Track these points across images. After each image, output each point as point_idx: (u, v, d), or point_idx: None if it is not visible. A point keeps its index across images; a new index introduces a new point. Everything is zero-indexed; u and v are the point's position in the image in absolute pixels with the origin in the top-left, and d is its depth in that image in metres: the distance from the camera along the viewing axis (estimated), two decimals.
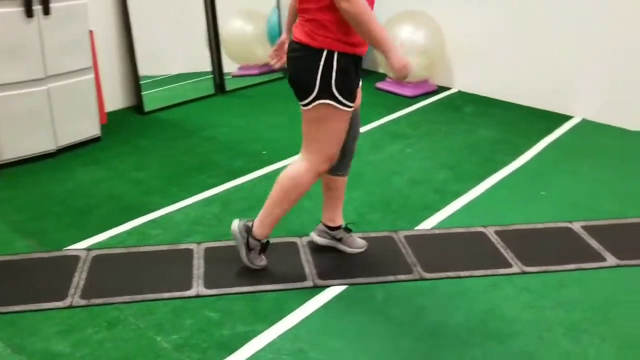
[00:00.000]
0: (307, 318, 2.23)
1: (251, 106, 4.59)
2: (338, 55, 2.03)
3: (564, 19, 4.26)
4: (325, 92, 2.06)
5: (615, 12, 4.06)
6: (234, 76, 5.05)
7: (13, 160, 3.42)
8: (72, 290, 2.34)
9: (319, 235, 2.61)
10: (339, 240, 2.59)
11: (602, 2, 4.09)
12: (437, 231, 2.84)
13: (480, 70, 4.84)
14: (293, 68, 2.16)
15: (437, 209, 3.05)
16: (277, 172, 3.39)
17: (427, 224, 2.90)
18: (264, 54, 5.18)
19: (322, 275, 2.48)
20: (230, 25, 4.95)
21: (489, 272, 2.53)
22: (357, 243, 2.63)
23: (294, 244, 2.70)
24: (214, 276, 2.46)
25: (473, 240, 2.78)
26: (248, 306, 2.30)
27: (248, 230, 2.38)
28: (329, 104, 2.08)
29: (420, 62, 4.68)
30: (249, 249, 2.39)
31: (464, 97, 4.83)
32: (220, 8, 4.68)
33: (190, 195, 3.15)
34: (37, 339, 2.10)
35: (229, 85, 4.89)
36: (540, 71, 4.48)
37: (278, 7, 5.07)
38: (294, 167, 2.29)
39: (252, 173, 3.42)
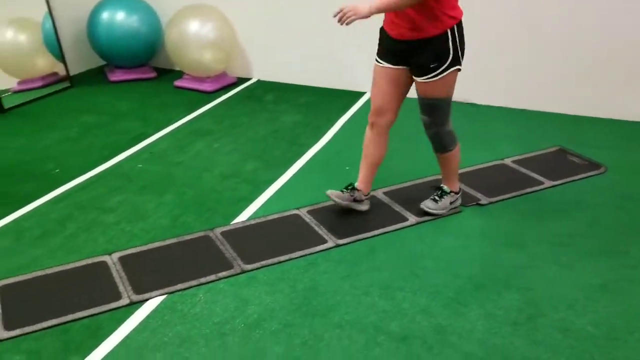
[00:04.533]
0: (126, 338, 2.10)
1: (36, 123, 4.16)
2: None
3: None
4: None
5: None
6: (14, 92, 4.54)
7: None
8: None
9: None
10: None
11: None
12: (253, 222, 2.86)
13: (276, 58, 4.95)
14: None
15: (251, 200, 3.07)
16: (75, 190, 3.18)
17: (243, 216, 2.91)
18: (45, 63, 4.76)
19: (138, 289, 2.35)
20: (0, 37, 4.43)
21: (307, 251, 2.62)
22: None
23: (103, 263, 2.53)
24: (14, 316, 2.20)
25: (288, 224, 2.85)
26: (58, 340, 2.09)
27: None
28: None
29: (215, 56, 4.65)
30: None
31: (263, 86, 4.91)
32: None
33: None
34: None
35: (8, 103, 4.37)
36: (331, 52, 4.71)
37: (50, 12, 4.64)
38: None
39: (46, 195, 3.11)
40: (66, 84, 4.81)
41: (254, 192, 3.14)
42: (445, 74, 2.48)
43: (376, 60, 2.65)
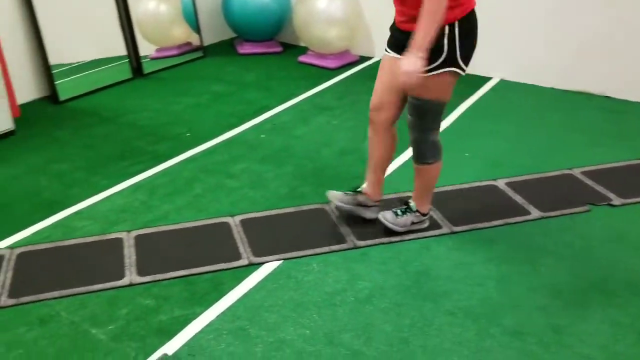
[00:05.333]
0: (245, 296, 2.22)
1: (171, 88, 4.46)
2: None
3: None
4: None
5: None
6: (152, 58, 4.87)
7: None
8: None
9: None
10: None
11: None
12: None
13: None
14: None
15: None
16: (203, 154, 3.37)
17: None
18: (181, 33, 5.06)
19: (257, 252, 2.47)
20: (144, 6, 4.76)
21: (420, 234, 2.60)
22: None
23: (226, 224, 2.67)
24: (147, 263, 2.40)
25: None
26: (184, 290, 2.26)
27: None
28: None
29: (340, 34, 4.69)
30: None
31: None
32: None
33: (115, 184, 3.05)
34: None
35: (147, 68, 4.72)
36: None
37: None
38: None
39: (177, 156, 3.34)
40: (199, 54, 5.09)
41: None
42: (435, 72, 2.19)
43: (385, 49, 2.45)
